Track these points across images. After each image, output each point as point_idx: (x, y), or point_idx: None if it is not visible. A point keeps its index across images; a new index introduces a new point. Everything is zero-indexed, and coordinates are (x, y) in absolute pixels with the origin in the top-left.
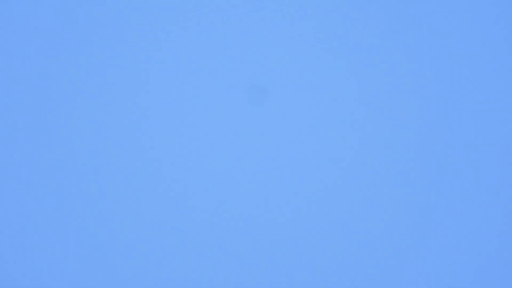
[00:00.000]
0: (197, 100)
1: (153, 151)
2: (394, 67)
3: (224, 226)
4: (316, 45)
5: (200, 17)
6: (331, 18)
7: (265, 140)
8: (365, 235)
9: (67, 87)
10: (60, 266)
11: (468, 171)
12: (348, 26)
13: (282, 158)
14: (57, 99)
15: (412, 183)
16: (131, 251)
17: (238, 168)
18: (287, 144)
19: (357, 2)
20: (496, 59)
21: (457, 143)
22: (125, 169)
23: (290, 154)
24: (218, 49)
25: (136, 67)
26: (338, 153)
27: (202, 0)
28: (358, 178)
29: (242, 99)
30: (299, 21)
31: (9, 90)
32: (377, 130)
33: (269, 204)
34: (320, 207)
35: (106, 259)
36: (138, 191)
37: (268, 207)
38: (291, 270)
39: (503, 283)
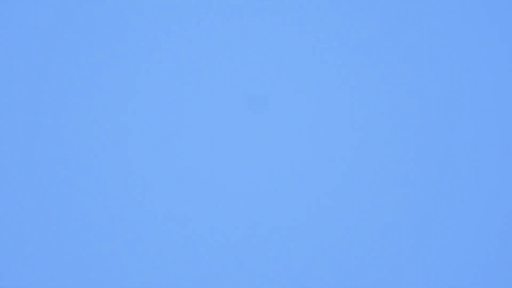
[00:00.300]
0: (198, 108)
1: (152, 158)
2: (393, 81)
3: (224, 235)
4: (316, 55)
5: (200, 26)
6: (331, 29)
7: (265, 147)
8: (362, 250)
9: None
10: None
11: (466, 172)
12: (348, 37)
13: (283, 166)
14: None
15: (409, 203)
16: (129, 255)
17: (238, 175)
18: (287, 152)
19: (356, 15)
20: (491, 61)
21: (453, 152)
22: (125, 179)
23: (290, 162)
24: (218, 58)
25: (135, 72)
26: (338, 161)
27: (203, 10)
28: (357, 187)
29: (242, 107)
30: (300, 31)
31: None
32: (377, 140)
33: (270, 213)
34: (320, 218)
35: (104, 263)
36: (140, 199)
37: (269, 215)
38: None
39: (503, 283)
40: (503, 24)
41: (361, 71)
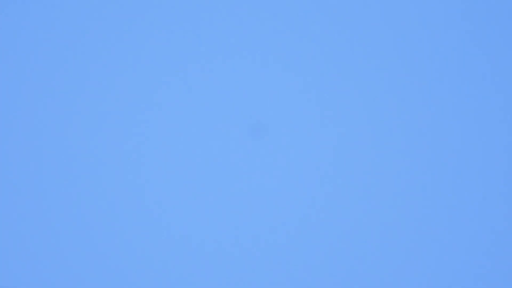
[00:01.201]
0: (202, 135)
1: (155, 181)
2: (389, 109)
3: (225, 255)
4: (313, 83)
5: (204, 57)
6: (329, 57)
7: (265, 172)
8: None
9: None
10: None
11: (465, 176)
12: (345, 65)
13: (282, 190)
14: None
15: (405, 222)
16: (128, 256)
17: (239, 199)
18: (287, 176)
19: (353, 51)
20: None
21: (447, 161)
22: (127, 202)
23: (289, 186)
24: (221, 87)
25: (142, 93)
26: (336, 185)
27: (208, 41)
28: (358, 208)
29: (244, 133)
30: (299, 60)
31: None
32: (372, 165)
33: (268, 234)
34: (320, 238)
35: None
36: (145, 211)
37: (267, 237)
38: None
39: (503, 283)
40: (500, 26)
41: (356, 101)
